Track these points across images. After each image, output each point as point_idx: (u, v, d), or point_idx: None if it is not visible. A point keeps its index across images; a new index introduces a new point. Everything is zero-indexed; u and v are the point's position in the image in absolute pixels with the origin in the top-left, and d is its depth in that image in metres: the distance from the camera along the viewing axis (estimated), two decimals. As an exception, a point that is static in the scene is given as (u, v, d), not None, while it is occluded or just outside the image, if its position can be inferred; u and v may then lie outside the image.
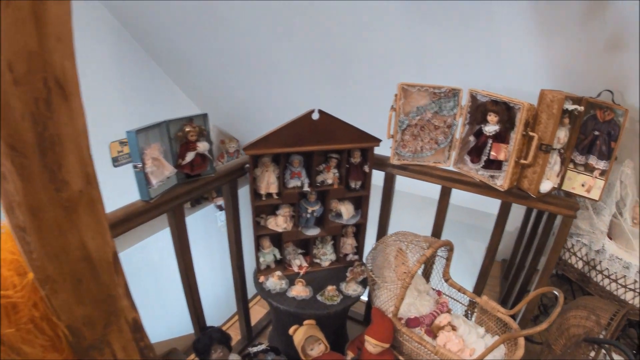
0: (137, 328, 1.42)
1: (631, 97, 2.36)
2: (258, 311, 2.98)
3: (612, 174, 2.47)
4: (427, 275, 2.34)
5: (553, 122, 1.97)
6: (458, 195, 2.96)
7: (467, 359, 1.96)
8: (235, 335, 2.78)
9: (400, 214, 2.76)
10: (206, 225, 3.91)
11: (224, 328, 2.76)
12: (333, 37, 2.95)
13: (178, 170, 1.92)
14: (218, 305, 3.24)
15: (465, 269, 2.61)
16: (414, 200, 2.95)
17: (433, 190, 2.38)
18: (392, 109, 2.16)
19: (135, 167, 1.69)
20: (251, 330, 2.68)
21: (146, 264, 4.01)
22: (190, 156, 1.94)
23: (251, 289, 3.00)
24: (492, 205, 2.93)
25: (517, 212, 2.93)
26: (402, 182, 2.52)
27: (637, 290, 2.42)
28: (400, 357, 2.15)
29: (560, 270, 2.77)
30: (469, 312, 2.25)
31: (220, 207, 4.25)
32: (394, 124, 2.17)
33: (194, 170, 1.99)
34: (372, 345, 2.08)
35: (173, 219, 1.97)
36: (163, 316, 3.80)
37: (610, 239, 2.66)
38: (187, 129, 1.91)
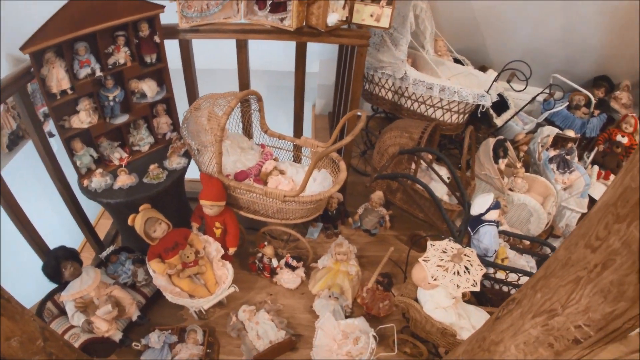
0: None
1: None
2: (106, 225, 2.88)
3: (404, 6, 2.66)
4: (249, 133, 2.40)
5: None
6: (279, 62, 3.01)
7: (294, 191, 2.09)
8: (91, 255, 2.68)
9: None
10: (35, 165, 3.52)
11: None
12: None
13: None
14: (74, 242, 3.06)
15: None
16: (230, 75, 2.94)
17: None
18: (168, -30, 2.04)
19: None
20: (102, 244, 2.60)
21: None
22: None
23: (93, 209, 2.87)
24: (312, 64, 3.03)
25: (333, 65, 3.05)
26: (212, 59, 2.48)
27: (445, 108, 2.75)
28: (241, 212, 2.25)
29: (374, 105, 3.02)
30: (295, 156, 2.39)
31: (50, 134, 3.80)
32: (174, -14, 2.07)
33: (-27, 84, 1.77)
34: (208, 207, 2.14)
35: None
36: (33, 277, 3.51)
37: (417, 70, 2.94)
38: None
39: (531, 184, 2.86)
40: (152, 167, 2.16)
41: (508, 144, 2.77)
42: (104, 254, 2.37)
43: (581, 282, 0.98)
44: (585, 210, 2.81)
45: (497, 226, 2.25)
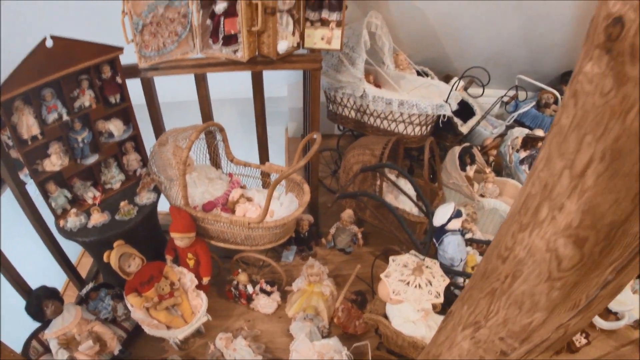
0: None
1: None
2: (88, 262, 2.93)
3: (358, 24, 2.73)
4: (216, 163, 2.47)
5: (273, -14, 2.09)
6: (245, 90, 3.08)
7: (258, 217, 2.14)
8: (74, 293, 2.74)
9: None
10: (17, 208, 3.57)
11: (63, 295, 2.67)
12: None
13: None
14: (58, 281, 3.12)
15: (273, 154, 2.79)
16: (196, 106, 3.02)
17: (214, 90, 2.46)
18: (123, 14, 2.13)
19: None
20: (84, 282, 2.67)
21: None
22: None
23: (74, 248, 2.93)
24: (282, 88, 3.10)
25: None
26: (175, 92, 2.56)
27: (406, 121, 2.80)
28: (212, 241, 2.31)
29: (340, 125, 3.09)
30: (263, 182, 2.45)
31: None
32: (129, 28, 2.16)
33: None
34: (179, 239, 2.20)
35: None
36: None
37: (380, 87, 3.01)
38: None
39: (502, 188, 2.90)
40: (122, 204, 2.23)
41: (475, 150, 2.82)
42: (84, 291, 2.43)
43: (496, 293, 0.98)
44: (559, 209, 2.82)
45: (463, 235, 2.29)
